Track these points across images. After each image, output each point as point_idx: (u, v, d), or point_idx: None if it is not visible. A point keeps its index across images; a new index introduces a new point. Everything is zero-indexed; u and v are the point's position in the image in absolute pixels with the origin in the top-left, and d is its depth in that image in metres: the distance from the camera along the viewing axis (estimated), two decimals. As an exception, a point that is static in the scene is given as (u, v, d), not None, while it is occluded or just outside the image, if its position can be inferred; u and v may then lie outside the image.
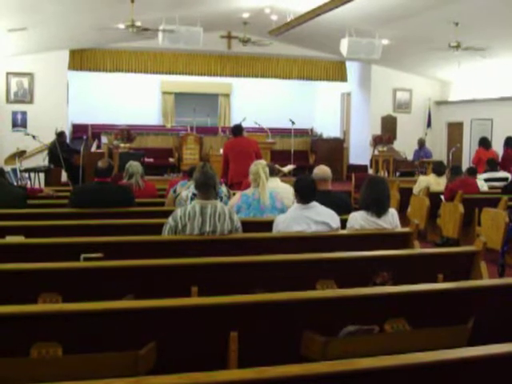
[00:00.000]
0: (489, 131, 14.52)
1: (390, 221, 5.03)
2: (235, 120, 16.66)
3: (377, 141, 14.33)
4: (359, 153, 16.81)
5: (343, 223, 5.12)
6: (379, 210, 4.97)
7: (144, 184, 6.97)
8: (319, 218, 4.83)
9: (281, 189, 6.36)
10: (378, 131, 15.74)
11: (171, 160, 15.50)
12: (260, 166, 5.79)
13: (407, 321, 3.09)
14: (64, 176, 12.25)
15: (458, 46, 11.34)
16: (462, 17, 10.80)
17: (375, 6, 10.90)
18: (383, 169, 14.02)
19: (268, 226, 5.08)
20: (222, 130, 16.75)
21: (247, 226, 5.03)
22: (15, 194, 6.46)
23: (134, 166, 6.87)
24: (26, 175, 11.77)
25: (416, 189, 9.56)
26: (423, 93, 16.54)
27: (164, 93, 18.86)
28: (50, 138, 12.43)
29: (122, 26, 11.00)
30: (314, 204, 4.87)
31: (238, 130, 9.38)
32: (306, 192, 4.85)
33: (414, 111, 16.66)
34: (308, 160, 16.48)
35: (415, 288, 3.35)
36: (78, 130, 16.40)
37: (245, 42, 14.06)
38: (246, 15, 12.87)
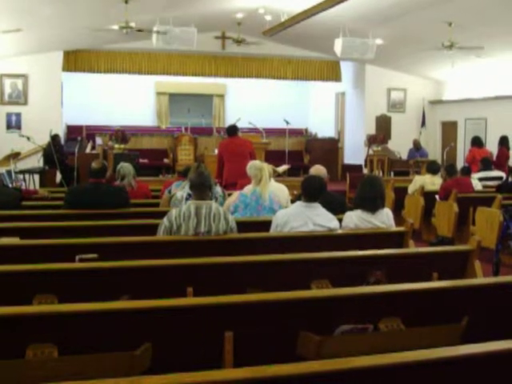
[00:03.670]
0: (483, 130, 14.55)
1: (385, 220, 5.05)
2: (230, 120, 16.65)
3: (371, 140, 14.35)
4: (354, 152, 16.83)
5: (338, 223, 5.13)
6: (372, 206, 4.99)
7: (137, 184, 6.98)
8: (318, 219, 4.84)
9: (277, 190, 6.35)
10: (373, 131, 15.75)
11: (166, 161, 15.50)
12: (265, 165, 5.90)
13: (401, 320, 3.10)
14: (59, 177, 12.23)
15: (451, 46, 11.37)
16: (455, 16, 10.83)
17: (369, 6, 10.92)
18: (378, 168, 14.04)
19: (264, 225, 5.09)
20: (216, 130, 16.73)
21: (243, 225, 5.03)
22: (10, 196, 6.46)
23: (126, 167, 6.87)
24: (21, 177, 11.75)
25: (411, 188, 9.58)
26: (417, 92, 16.56)
27: (158, 94, 18.84)
28: (45, 139, 12.41)
29: (115, 27, 10.99)
30: (317, 205, 4.88)
31: (232, 130, 9.39)
32: (311, 191, 4.85)
33: (408, 111, 16.68)
34: (303, 160, 16.49)
35: (410, 287, 3.37)
36: (73, 131, 16.36)
37: (239, 42, 14.05)
38: (239, 15, 12.86)
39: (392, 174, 14.26)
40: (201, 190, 4.67)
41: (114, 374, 2.45)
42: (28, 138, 11.73)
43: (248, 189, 5.88)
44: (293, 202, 5.75)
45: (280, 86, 18.81)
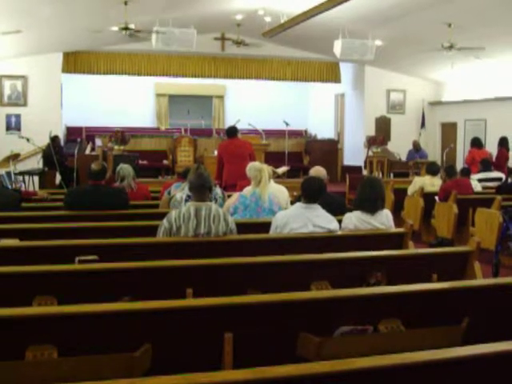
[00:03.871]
0: (482, 131, 14.55)
1: (384, 221, 5.05)
2: (229, 122, 16.67)
3: (371, 142, 14.35)
4: (353, 154, 16.83)
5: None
6: (371, 207, 4.99)
7: (136, 186, 6.98)
8: (318, 220, 4.83)
9: (277, 191, 6.35)
10: (372, 132, 15.76)
11: (165, 162, 15.48)
12: (265, 166, 5.92)
13: (401, 321, 3.09)
14: (58, 179, 12.23)
15: (451, 47, 11.38)
16: (455, 18, 10.83)
17: (368, 7, 10.93)
18: (377, 170, 14.04)
19: (264, 227, 5.09)
20: (216, 131, 16.75)
21: (243, 227, 5.03)
22: (9, 197, 6.46)
23: (125, 168, 6.87)
24: (21, 178, 11.76)
25: (411, 189, 9.57)
26: (417, 93, 16.56)
27: (158, 95, 18.85)
28: (44, 140, 12.42)
29: (115, 29, 11.00)
30: (317, 206, 4.88)
31: (232, 131, 9.39)
32: (311, 193, 4.85)
33: (407, 112, 16.68)
34: (302, 161, 16.47)
35: (409, 288, 3.36)
36: (73, 132, 16.37)
37: (238, 43, 14.05)
38: (239, 17, 12.86)
39: (392, 175, 14.26)
40: (200, 191, 4.67)
41: (114, 376, 2.45)
42: (28, 140, 11.73)
43: (247, 190, 5.87)
44: (292, 203, 5.75)
45: (279, 87, 18.81)
